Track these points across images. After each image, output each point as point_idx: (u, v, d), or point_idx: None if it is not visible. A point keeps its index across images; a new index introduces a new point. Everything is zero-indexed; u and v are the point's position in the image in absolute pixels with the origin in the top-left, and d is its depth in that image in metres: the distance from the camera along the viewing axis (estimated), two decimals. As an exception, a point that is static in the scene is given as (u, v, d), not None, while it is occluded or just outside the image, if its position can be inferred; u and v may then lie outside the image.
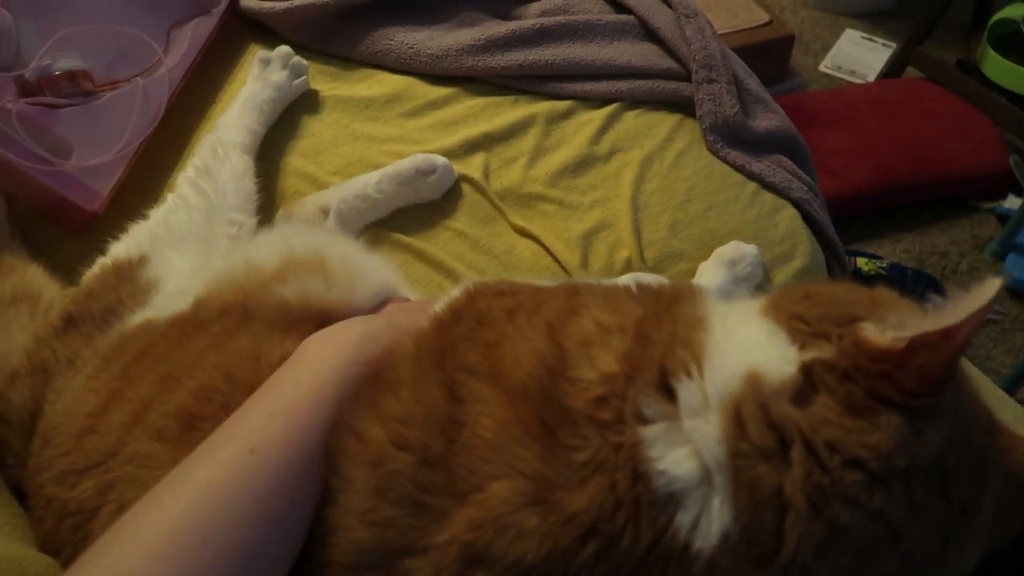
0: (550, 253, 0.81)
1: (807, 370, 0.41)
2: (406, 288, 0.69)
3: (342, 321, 0.55)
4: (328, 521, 0.44)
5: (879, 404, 0.40)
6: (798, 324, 0.44)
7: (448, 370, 0.46)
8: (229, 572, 0.40)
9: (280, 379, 0.49)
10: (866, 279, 1.58)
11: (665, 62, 0.94)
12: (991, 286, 0.40)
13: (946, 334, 0.39)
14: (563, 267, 0.80)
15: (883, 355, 0.40)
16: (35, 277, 0.74)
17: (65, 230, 0.81)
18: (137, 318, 0.63)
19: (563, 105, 0.92)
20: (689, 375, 0.42)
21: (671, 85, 0.93)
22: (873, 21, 2.31)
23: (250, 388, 0.50)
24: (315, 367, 0.49)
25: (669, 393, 0.42)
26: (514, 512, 0.40)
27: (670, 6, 0.98)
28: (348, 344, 0.51)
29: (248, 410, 0.47)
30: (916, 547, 0.41)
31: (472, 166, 0.86)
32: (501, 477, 0.41)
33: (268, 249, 0.66)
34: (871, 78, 2.15)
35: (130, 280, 0.66)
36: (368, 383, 0.48)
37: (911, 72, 2.08)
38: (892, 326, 0.41)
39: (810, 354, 0.42)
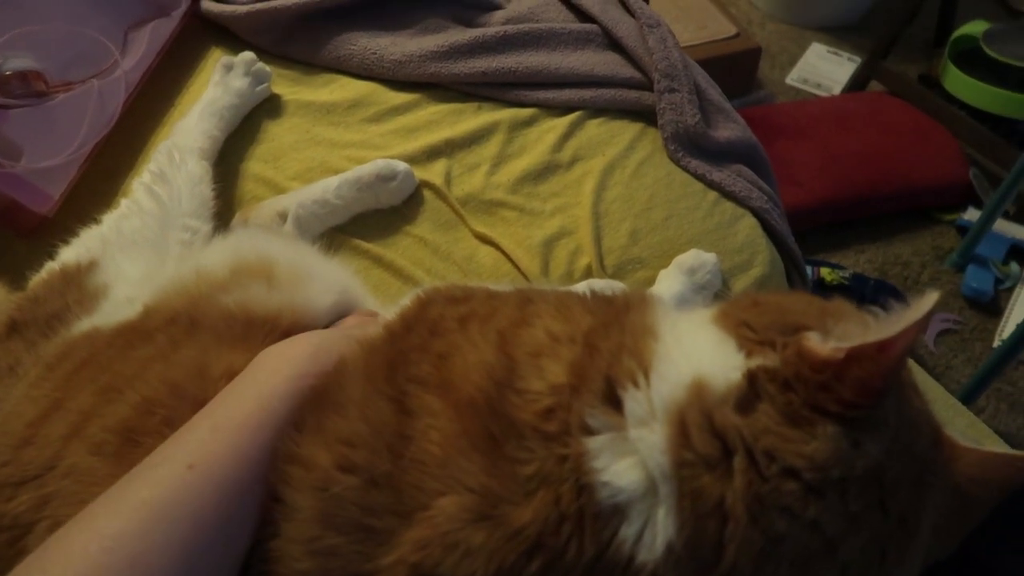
0: (510, 260, 0.81)
1: (752, 377, 0.41)
2: (367, 295, 0.68)
3: (296, 336, 0.54)
4: (273, 551, 0.43)
5: (817, 414, 0.40)
6: (746, 331, 0.44)
7: (398, 382, 0.45)
8: None
9: (227, 394, 0.48)
10: (829, 289, 1.60)
11: (628, 71, 0.95)
12: (928, 300, 0.40)
13: (882, 347, 0.39)
14: (523, 274, 0.80)
15: (823, 365, 0.40)
16: (-20, 282, 0.72)
17: (13, 233, 0.79)
18: (84, 325, 0.61)
19: (526, 113, 0.92)
20: (636, 384, 0.42)
21: (633, 94, 0.93)
22: (839, 36, 2.35)
23: (194, 401, 0.49)
24: (263, 382, 0.48)
25: (615, 403, 0.42)
26: (460, 529, 0.40)
27: (633, 16, 0.99)
28: (297, 358, 0.49)
29: (192, 426, 0.46)
30: (853, 559, 0.40)
31: (434, 172, 0.86)
32: (447, 493, 0.41)
33: (219, 256, 0.65)
34: (836, 91, 2.18)
35: (78, 286, 0.65)
36: (314, 403, 0.47)
37: (875, 86, 2.12)
38: (835, 336, 0.41)
39: (755, 361, 0.42)
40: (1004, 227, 1.80)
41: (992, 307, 1.71)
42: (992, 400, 1.56)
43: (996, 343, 1.64)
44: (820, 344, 0.41)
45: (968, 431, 0.48)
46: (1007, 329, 1.64)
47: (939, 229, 1.88)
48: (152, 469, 0.43)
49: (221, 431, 0.45)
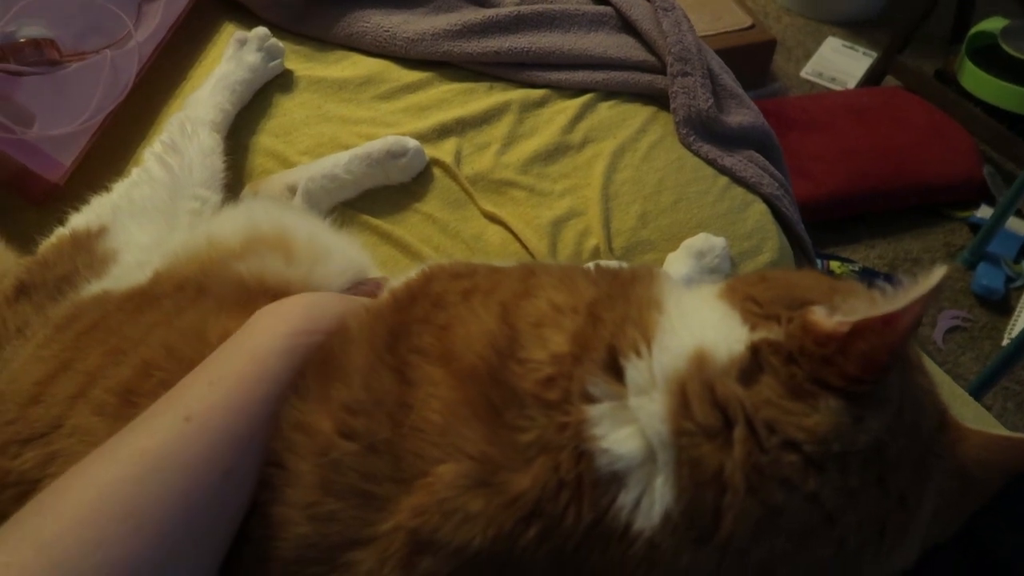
0: (519, 239, 0.81)
1: (755, 349, 0.41)
2: (376, 271, 0.68)
3: (292, 295, 0.54)
4: (274, 516, 0.43)
5: (820, 388, 0.40)
6: (751, 305, 0.44)
7: (400, 352, 0.45)
8: (156, 541, 0.39)
9: (223, 351, 0.48)
10: (838, 282, 1.59)
11: (641, 54, 0.94)
12: (935, 274, 0.39)
13: (887, 320, 0.39)
14: (531, 254, 0.80)
15: (827, 339, 0.40)
16: (-10, 246, 0.72)
17: (24, 200, 0.79)
18: (93, 288, 0.62)
19: (538, 93, 0.92)
20: (638, 354, 0.42)
21: (646, 77, 0.93)
22: (855, 30, 2.33)
23: (191, 364, 0.49)
24: (258, 338, 0.48)
25: (617, 372, 0.42)
26: (459, 496, 0.40)
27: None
28: (292, 314, 0.50)
29: (189, 381, 0.46)
30: (851, 534, 0.40)
31: (444, 150, 0.86)
32: (447, 460, 0.41)
33: (232, 225, 0.65)
34: (851, 85, 2.17)
35: (87, 250, 0.65)
36: (318, 368, 0.47)
37: (890, 81, 2.10)
38: (841, 311, 0.41)
39: (759, 334, 0.42)
40: (1017, 225, 1.79)
41: (1002, 305, 1.70)
42: (999, 398, 1.55)
43: (1005, 341, 1.63)
44: (825, 318, 0.41)
45: (976, 422, 0.48)
46: (1017, 327, 1.63)
47: (951, 226, 1.86)
48: (149, 420, 0.43)
49: (217, 385, 0.45)
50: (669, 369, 0.41)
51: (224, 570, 0.43)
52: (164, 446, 0.41)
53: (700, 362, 0.41)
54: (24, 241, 0.75)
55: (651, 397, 0.41)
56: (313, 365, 0.47)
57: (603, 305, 0.45)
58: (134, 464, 0.40)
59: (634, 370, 0.42)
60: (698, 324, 0.44)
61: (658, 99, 0.93)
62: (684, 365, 0.41)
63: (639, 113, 0.92)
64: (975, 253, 1.75)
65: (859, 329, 0.39)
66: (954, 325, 1.67)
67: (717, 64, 0.97)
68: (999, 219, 1.67)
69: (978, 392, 1.41)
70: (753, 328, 0.43)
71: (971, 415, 0.78)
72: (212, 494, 0.41)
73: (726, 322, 0.44)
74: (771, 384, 0.40)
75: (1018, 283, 1.73)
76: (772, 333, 0.42)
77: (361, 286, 0.63)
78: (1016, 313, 1.67)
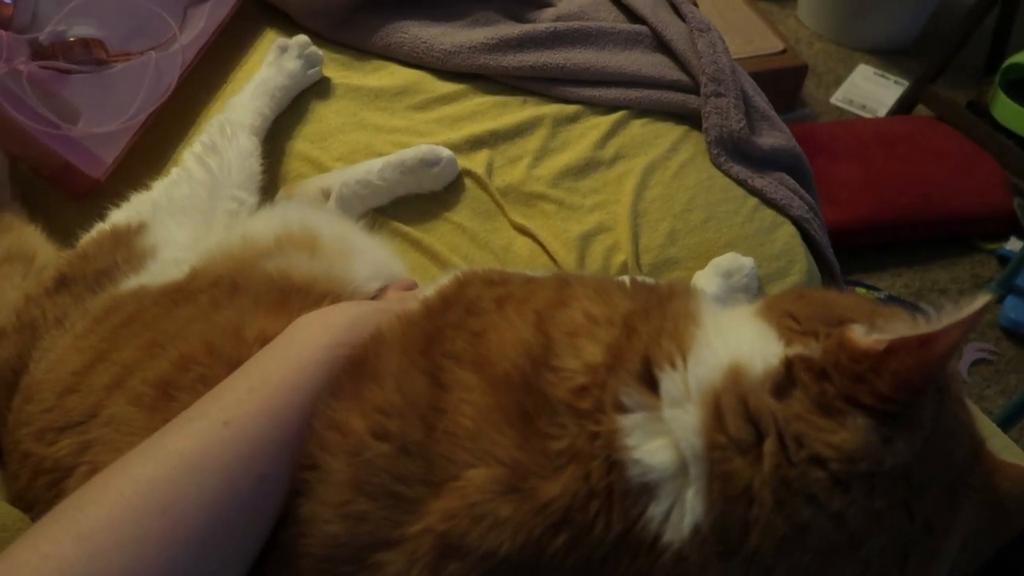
0: (547, 252, 0.82)
1: (789, 364, 0.41)
2: (407, 275, 0.69)
3: (335, 304, 0.55)
4: (304, 513, 0.44)
5: (849, 405, 0.40)
6: (789, 322, 0.44)
7: (434, 357, 0.46)
8: (190, 539, 0.39)
9: (264, 357, 0.49)
10: (863, 309, 1.58)
11: (675, 74, 0.95)
12: (979, 301, 0.39)
13: (924, 340, 0.39)
14: (559, 266, 0.80)
15: (862, 356, 0.40)
16: (31, 238, 0.74)
17: (66, 195, 0.81)
18: (131, 283, 0.63)
19: (571, 109, 0.93)
20: (673, 366, 0.42)
21: (679, 97, 0.93)
22: (887, 58, 2.32)
23: (229, 361, 0.50)
24: (300, 347, 0.49)
25: (651, 384, 0.42)
26: (489, 501, 0.40)
27: (683, 20, 0.99)
28: (336, 326, 0.50)
29: (228, 385, 0.47)
30: (875, 557, 0.40)
31: (476, 162, 0.87)
32: (477, 465, 0.41)
33: (265, 225, 0.66)
34: (881, 114, 2.16)
35: (126, 245, 0.67)
36: (352, 371, 0.48)
37: (921, 110, 2.09)
38: (879, 330, 0.41)
39: (794, 350, 0.42)
40: (1046, 259, 1.77)
41: (1030, 340, 1.68)
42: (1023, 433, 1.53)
43: (1032, 376, 1.60)
44: (863, 335, 0.41)
45: (1004, 454, 0.48)
46: (1044, 363, 1.61)
47: (979, 257, 1.84)
48: (189, 423, 0.44)
49: (257, 392, 0.45)
50: (704, 382, 0.41)
51: (255, 566, 0.44)
52: (202, 449, 0.42)
53: (735, 376, 0.41)
54: (64, 235, 0.77)
55: (685, 409, 0.41)
56: (348, 367, 0.48)
57: (639, 317, 0.46)
58: (172, 465, 0.41)
59: (669, 381, 0.42)
60: (734, 339, 0.44)
61: (690, 118, 0.94)
62: (719, 378, 0.41)
63: (671, 132, 0.92)
64: (1003, 286, 1.73)
65: (895, 348, 0.39)
66: (980, 358, 1.64)
67: (750, 86, 0.97)
68: (1029, 252, 1.65)
69: (1003, 426, 1.39)
70: (789, 343, 0.43)
71: (999, 446, 0.77)
72: (247, 497, 0.42)
73: (762, 338, 0.44)
74: (801, 399, 0.40)
75: (1047, 318, 1.70)
76: (808, 349, 0.42)
77: (394, 285, 0.63)
78: (1044, 348, 1.65)
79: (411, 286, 0.64)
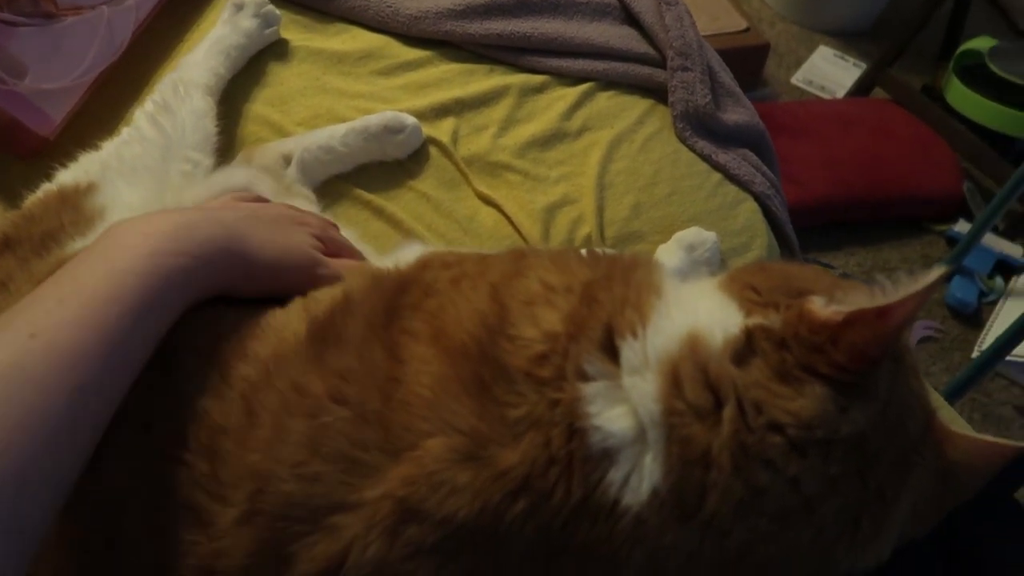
0: (512, 223, 0.81)
1: (749, 334, 0.42)
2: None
3: (157, 211, 0.53)
4: (262, 471, 0.43)
5: (807, 374, 0.41)
6: (750, 294, 0.45)
7: (392, 333, 0.46)
8: (7, 453, 0.38)
9: (77, 266, 0.46)
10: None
11: (642, 47, 0.95)
12: (932, 273, 0.40)
13: (881, 312, 0.40)
14: (523, 238, 0.80)
15: (820, 327, 0.41)
16: (-25, 198, 0.71)
17: (12, 154, 0.78)
18: (77, 246, 0.61)
19: (538, 79, 0.92)
20: (635, 335, 0.43)
21: (646, 70, 0.93)
22: (847, 41, 2.36)
23: None
24: (115, 255, 0.47)
25: (612, 352, 0.43)
26: (447, 468, 0.41)
27: (652, -8, 0.98)
28: (156, 234, 0.48)
29: (37, 295, 0.44)
30: (828, 522, 0.41)
31: (441, 130, 0.86)
32: (436, 434, 0.41)
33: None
34: (840, 95, 2.19)
35: (75, 207, 0.64)
36: (318, 334, 0.47)
37: (878, 93, 2.13)
38: (837, 302, 0.42)
39: (754, 320, 0.43)
40: (992, 241, 1.83)
41: (974, 319, 1.74)
42: (967, 409, 1.59)
43: (975, 354, 1.66)
44: (822, 307, 0.41)
45: (951, 425, 0.49)
46: (987, 341, 1.67)
47: (929, 238, 1.90)
48: None
49: (66, 303, 0.43)
50: (662, 350, 0.42)
51: (216, 522, 0.43)
52: (8, 363, 0.40)
53: (694, 344, 0.42)
54: (9, 195, 0.74)
55: (644, 377, 0.42)
56: (315, 329, 0.47)
57: (600, 287, 0.46)
58: None
59: (629, 350, 0.42)
60: (694, 309, 0.45)
61: (657, 92, 0.94)
62: (677, 347, 0.42)
63: (637, 105, 0.92)
64: (950, 266, 1.78)
65: (852, 320, 0.40)
66: (926, 335, 1.70)
67: (716, 62, 0.98)
68: (976, 234, 1.70)
69: (947, 402, 1.44)
70: (749, 314, 0.44)
71: (947, 417, 0.80)
72: (63, 409, 0.40)
73: (723, 309, 0.45)
74: (761, 367, 0.41)
75: (991, 298, 1.76)
76: (768, 319, 0.43)
77: (232, 194, 0.63)
78: (987, 327, 1.71)
79: (253, 198, 0.62)
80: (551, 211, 0.83)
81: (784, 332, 0.42)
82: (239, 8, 0.87)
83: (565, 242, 0.81)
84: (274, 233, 0.55)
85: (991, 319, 1.73)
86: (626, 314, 0.44)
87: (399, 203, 0.81)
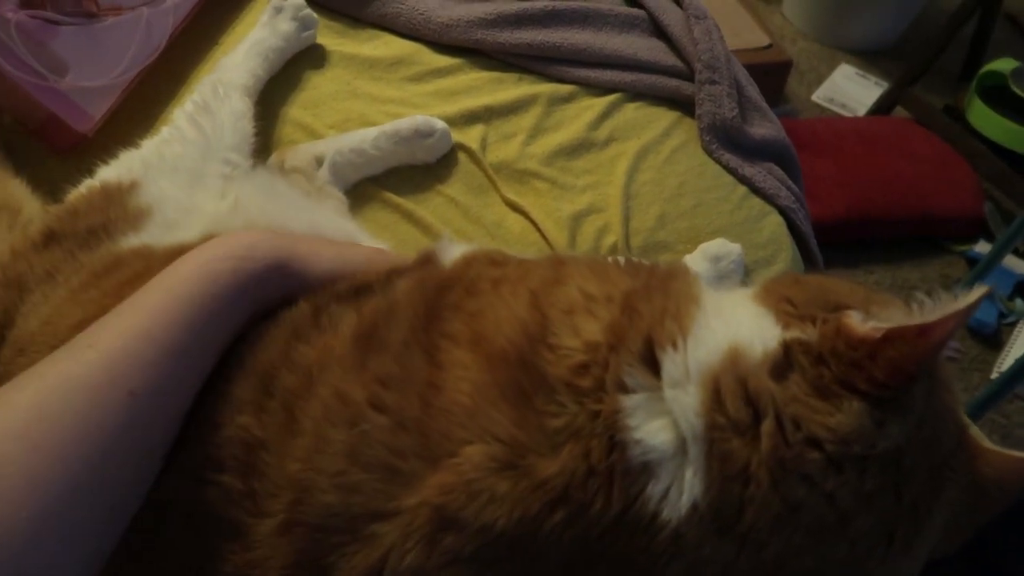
0: (538, 230, 0.82)
1: (786, 348, 0.42)
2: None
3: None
4: (303, 481, 0.43)
5: (845, 390, 0.41)
6: (786, 306, 0.45)
7: (432, 336, 0.46)
8: (55, 457, 0.39)
9: (142, 289, 0.49)
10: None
11: (670, 59, 0.96)
12: (975, 293, 0.41)
13: (923, 330, 0.40)
14: (550, 245, 0.81)
15: (859, 343, 0.41)
16: (16, 191, 0.72)
17: (50, 149, 0.79)
18: (131, 241, 0.62)
19: (566, 89, 0.93)
20: (675, 347, 0.43)
21: (673, 82, 0.94)
22: (868, 59, 2.36)
23: None
24: (175, 271, 0.49)
25: (653, 364, 0.43)
26: (486, 477, 0.40)
27: (681, 6, 0.99)
28: (211, 245, 0.51)
29: (103, 318, 0.47)
30: (862, 537, 0.41)
31: (470, 136, 0.87)
32: (475, 441, 0.41)
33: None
34: (860, 113, 2.19)
35: (119, 204, 0.65)
36: (363, 340, 0.48)
37: (900, 112, 2.13)
38: (875, 318, 0.42)
39: (792, 334, 0.43)
40: (1013, 263, 1.82)
41: (993, 340, 1.73)
42: (984, 430, 1.57)
43: (994, 375, 1.65)
44: (860, 322, 0.42)
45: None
46: (1006, 362, 1.66)
47: (949, 258, 1.89)
48: (58, 351, 0.45)
49: (123, 315, 0.46)
50: (704, 363, 0.42)
51: (252, 534, 0.44)
52: (65, 370, 0.42)
53: (734, 358, 0.42)
54: (48, 190, 0.75)
55: (686, 390, 0.41)
56: (360, 334, 0.48)
57: (640, 296, 0.46)
58: (35, 389, 0.41)
59: (671, 363, 0.42)
60: (732, 321, 0.45)
61: (684, 104, 0.94)
62: (718, 360, 0.42)
63: (664, 117, 0.93)
64: (971, 287, 1.77)
65: (891, 336, 0.40)
66: (945, 355, 1.69)
67: (743, 76, 0.98)
68: (996, 255, 1.69)
69: (965, 422, 1.43)
70: (786, 327, 0.44)
71: (973, 434, 0.80)
72: (116, 414, 0.42)
73: (760, 321, 0.45)
74: (799, 382, 0.41)
75: (1010, 319, 1.75)
76: (805, 333, 0.43)
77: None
78: (1007, 348, 1.70)
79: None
80: (577, 219, 0.83)
81: (822, 347, 0.42)
82: (278, 11, 0.89)
83: (591, 250, 0.82)
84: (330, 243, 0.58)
85: (1010, 341, 1.71)
86: (666, 325, 0.44)
87: (428, 207, 0.83)
